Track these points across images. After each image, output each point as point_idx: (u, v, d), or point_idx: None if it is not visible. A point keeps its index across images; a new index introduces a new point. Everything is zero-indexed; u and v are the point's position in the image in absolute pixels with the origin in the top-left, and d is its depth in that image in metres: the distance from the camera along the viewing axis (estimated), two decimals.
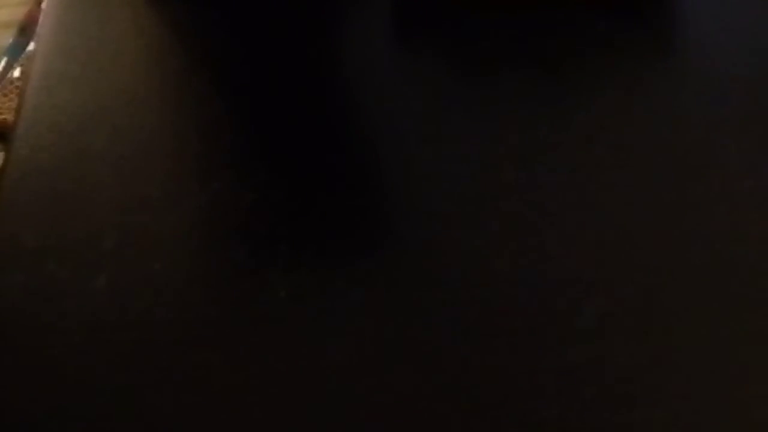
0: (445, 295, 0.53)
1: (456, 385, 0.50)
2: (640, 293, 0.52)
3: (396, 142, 0.60)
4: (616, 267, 0.54)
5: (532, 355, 0.50)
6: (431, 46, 0.65)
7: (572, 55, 0.63)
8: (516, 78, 0.62)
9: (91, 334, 0.52)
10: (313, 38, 0.65)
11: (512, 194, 0.57)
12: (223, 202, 0.57)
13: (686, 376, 0.50)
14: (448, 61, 0.64)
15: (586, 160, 0.58)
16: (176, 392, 0.50)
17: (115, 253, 0.55)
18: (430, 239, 0.55)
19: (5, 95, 1.09)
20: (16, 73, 1.12)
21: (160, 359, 0.51)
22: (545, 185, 0.57)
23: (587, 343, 0.51)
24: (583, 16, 0.65)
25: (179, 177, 0.59)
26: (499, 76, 0.62)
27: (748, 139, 0.59)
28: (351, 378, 0.50)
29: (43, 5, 0.69)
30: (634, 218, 0.55)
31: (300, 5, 0.67)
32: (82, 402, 0.50)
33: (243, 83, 0.63)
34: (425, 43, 0.65)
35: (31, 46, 0.70)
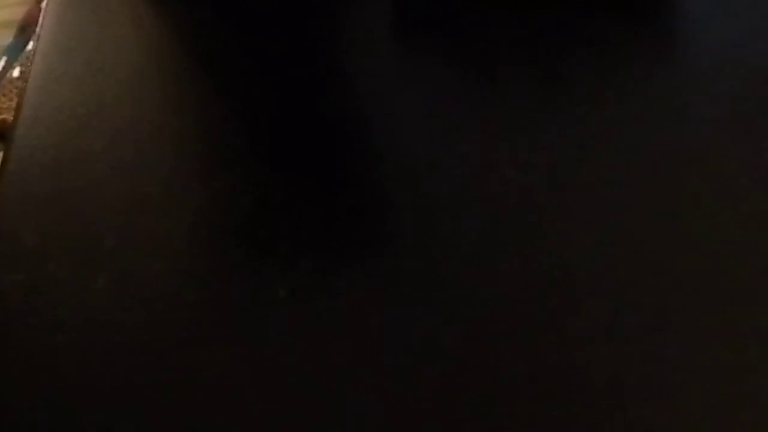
0: (445, 295, 0.53)
1: (456, 385, 0.50)
2: (640, 293, 0.52)
3: (396, 142, 0.60)
4: (616, 267, 0.54)
5: (532, 355, 0.50)
6: (432, 45, 0.65)
7: (572, 55, 0.63)
8: (516, 77, 0.62)
9: (91, 334, 0.52)
10: (313, 38, 0.65)
11: (512, 194, 0.57)
12: (223, 202, 0.57)
13: (686, 376, 0.50)
14: (449, 61, 0.64)
15: (585, 160, 0.58)
16: (176, 392, 0.50)
17: (115, 253, 0.55)
18: (430, 239, 0.55)
19: (5, 95, 1.09)
20: (16, 72, 1.12)
21: (160, 359, 0.51)
22: (545, 185, 0.57)
23: (587, 343, 0.51)
24: (583, 16, 0.65)
25: (179, 177, 0.59)
26: (499, 76, 0.62)
27: (748, 139, 0.59)
28: (351, 378, 0.50)
29: (43, 5, 0.69)
30: (635, 218, 0.55)
31: (300, 5, 0.67)
32: (82, 402, 0.50)
33: (243, 83, 0.63)
34: (426, 42, 0.65)
35: (31, 46, 0.70)
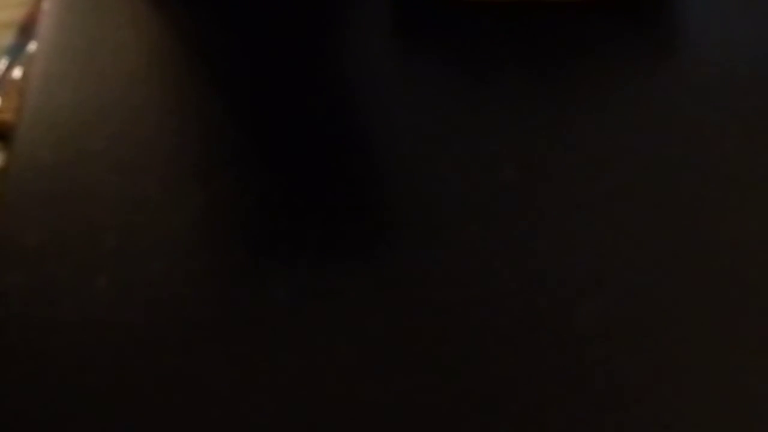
0: (444, 295, 0.53)
1: (455, 386, 0.50)
2: (640, 294, 0.52)
3: (396, 142, 0.60)
4: (616, 268, 0.54)
5: (532, 355, 0.50)
6: (431, 46, 0.65)
7: (572, 55, 0.63)
8: (516, 78, 0.62)
9: (91, 334, 0.52)
10: (313, 38, 0.65)
11: (512, 194, 0.57)
12: (223, 202, 0.57)
13: (685, 377, 0.50)
14: (448, 61, 0.64)
15: (586, 160, 0.58)
16: (176, 392, 0.50)
17: (115, 253, 0.55)
18: (430, 239, 0.55)
19: (5, 95, 1.09)
20: (17, 73, 1.12)
21: (160, 359, 0.51)
22: (545, 185, 0.57)
23: (586, 343, 0.51)
24: (583, 16, 0.65)
25: (179, 177, 0.59)
26: (499, 76, 0.62)
27: (748, 139, 0.59)
28: (351, 378, 0.50)
29: (43, 5, 0.69)
30: (634, 219, 0.55)
31: (300, 5, 0.67)
32: (82, 402, 0.50)
33: (243, 83, 0.63)
34: (425, 43, 0.65)
35: (32, 46, 0.70)
